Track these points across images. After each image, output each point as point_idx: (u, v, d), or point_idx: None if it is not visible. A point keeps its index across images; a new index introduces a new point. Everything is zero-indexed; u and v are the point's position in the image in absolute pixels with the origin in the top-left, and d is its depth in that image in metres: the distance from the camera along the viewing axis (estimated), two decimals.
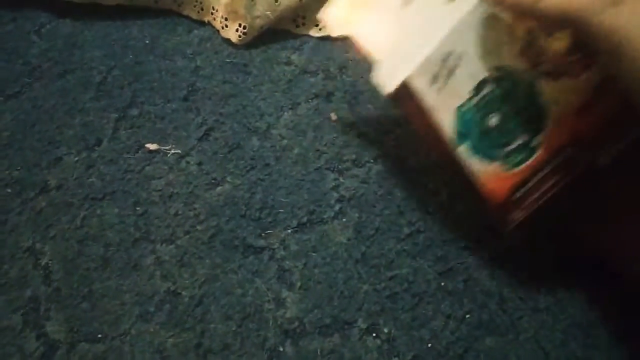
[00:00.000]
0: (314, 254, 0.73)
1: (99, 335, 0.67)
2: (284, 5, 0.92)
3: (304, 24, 0.96)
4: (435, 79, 0.60)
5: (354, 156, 0.81)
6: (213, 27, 0.98)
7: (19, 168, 0.81)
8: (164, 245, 0.74)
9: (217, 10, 0.96)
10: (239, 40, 0.94)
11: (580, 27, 0.49)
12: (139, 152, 0.83)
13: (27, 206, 0.77)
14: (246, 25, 0.93)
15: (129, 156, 0.82)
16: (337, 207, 0.76)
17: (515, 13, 0.55)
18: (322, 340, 0.67)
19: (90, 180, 0.80)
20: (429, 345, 0.66)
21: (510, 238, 0.65)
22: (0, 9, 1.01)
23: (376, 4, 0.68)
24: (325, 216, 0.76)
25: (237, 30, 0.94)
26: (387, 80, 0.65)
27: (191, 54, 0.95)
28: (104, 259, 0.73)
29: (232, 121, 0.86)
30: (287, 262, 0.72)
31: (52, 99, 0.89)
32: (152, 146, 0.83)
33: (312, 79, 0.89)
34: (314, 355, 0.66)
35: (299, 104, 0.87)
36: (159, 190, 0.79)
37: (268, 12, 0.91)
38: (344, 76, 0.89)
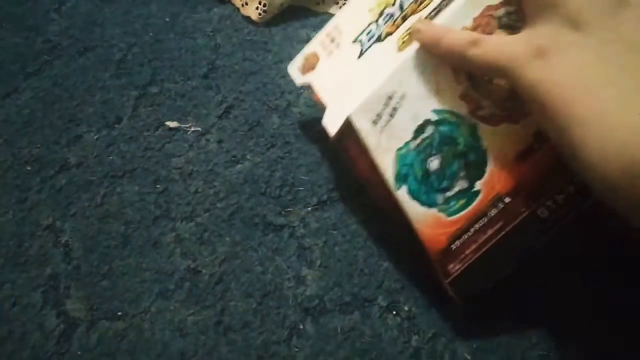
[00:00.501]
0: (334, 231, 0.72)
1: (119, 313, 0.67)
2: None
3: (323, 2, 0.96)
4: (378, 118, 0.59)
5: None
6: (233, 4, 0.97)
7: (38, 146, 0.81)
8: (184, 223, 0.74)
9: None
10: (259, 18, 0.94)
11: (506, 78, 0.50)
12: (159, 129, 0.82)
13: (46, 184, 0.77)
14: (266, 3, 0.92)
15: (149, 134, 0.82)
16: (357, 185, 0.75)
17: (447, 62, 0.56)
18: (342, 318, 0.66)
19: (110, 158, 0.80)
20: (450, 323, 0.66)
21: (449, 293, 0.64)
22: None
23: (333, 57, 0.71)
24: (345, 194, 0.75)
25: (257, 8, 0.93)
26: (331, 123, 0.65)
27: (211, 32, 0.94)
28: (124, 237, 0.73)
29: (252, 99, 0.85)
30: (307, 240, 0.72)
31: (72, 76, 0.89)
32: (172, 124, 0.83)
33: None
34: (334, 333, 0.65)
35: None
36: (179, 168, 0.78)
37: None
38: None
